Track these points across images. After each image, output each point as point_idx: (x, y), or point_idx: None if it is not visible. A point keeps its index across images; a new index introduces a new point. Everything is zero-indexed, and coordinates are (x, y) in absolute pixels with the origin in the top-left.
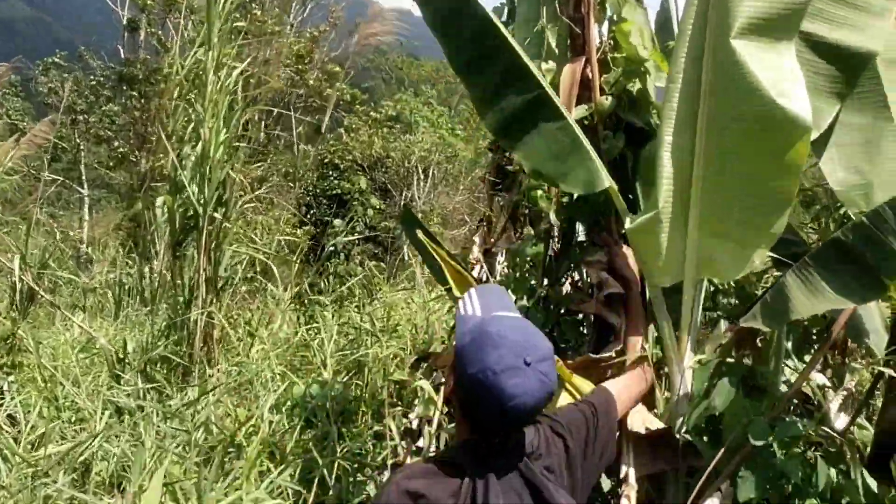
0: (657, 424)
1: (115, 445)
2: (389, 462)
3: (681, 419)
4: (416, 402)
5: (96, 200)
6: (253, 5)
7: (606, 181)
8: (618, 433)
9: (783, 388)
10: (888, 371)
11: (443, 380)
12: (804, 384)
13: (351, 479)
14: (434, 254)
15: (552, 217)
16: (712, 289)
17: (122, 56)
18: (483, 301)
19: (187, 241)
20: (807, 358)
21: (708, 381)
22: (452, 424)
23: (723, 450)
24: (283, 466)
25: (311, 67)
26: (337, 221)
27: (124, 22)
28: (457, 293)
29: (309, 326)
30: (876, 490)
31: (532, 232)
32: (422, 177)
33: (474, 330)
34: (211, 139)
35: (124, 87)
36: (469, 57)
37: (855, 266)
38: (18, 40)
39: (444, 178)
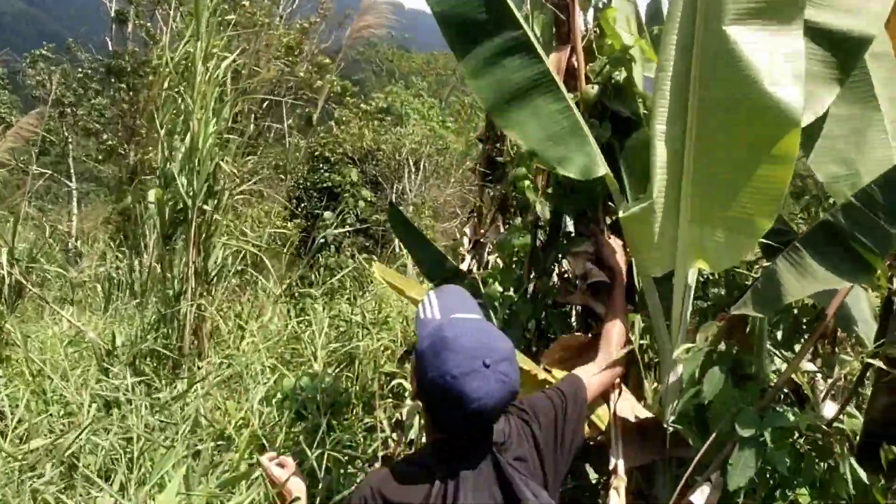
0: (646, 414)
1: (104, 439)
2: (380, 454)
3: (669, 408)
4: (407, 394)
5: (85, 194)
6: None
7: (603, 168)
8: (605, 427)
9: (772, 377)
10: (877, 361)
11: None
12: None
13: (341, 472)
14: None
15: (537, 208)
16: (702, 279)
17: (111, 48)
18: (442, 303)
19: (177, 234)
20: (796, 348)
21: (698, 370)
22: None
23: (711, 438)
24: None
25: (301, 59)
26: (327, 214)
27: (112, 14)
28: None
29: (300, 319)
30: (865, 480)
31: (520, 223)
32: (413, 169)
33: (433, 334)
34: (200, 130)
35: (113, 80)
36: (466, 24)
37: (845, 246)
38: (6, 33)
39: (435, 171)
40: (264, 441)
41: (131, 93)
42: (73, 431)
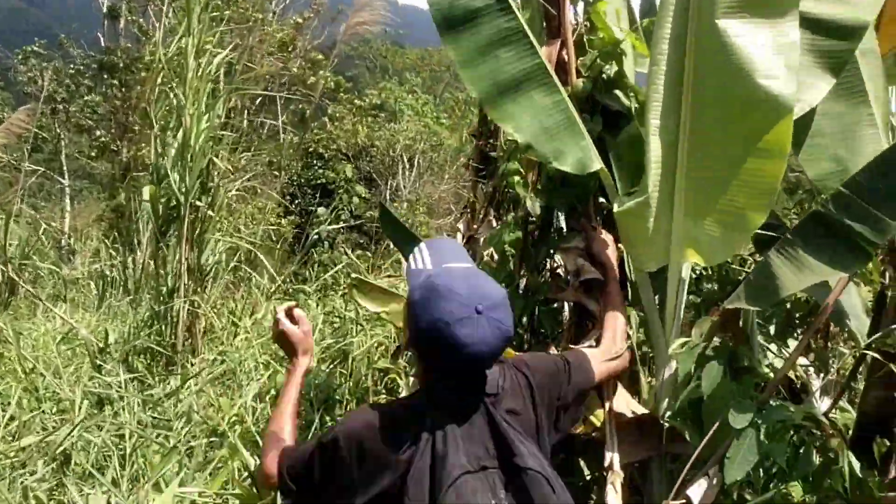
0: (641, 410)
1: (96, 435)
2: None
3: (665, 403)
4: (400, 389)
5: (78, 191)
6: None
7: (597, 162)
8: (600, 423)
9: (765, 370)
10: (870, 353)
11: None
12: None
13: None
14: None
15: (528, 203)
16: (695, 275)
17: (103, 44)
18: (433, 254)
19: (170, 231)
20: (790, 342)
21: (694, 365)
22: None
23: (709, 434)
24: None
25: (294, 56)
26: (321, 210)
27: (104, 10)
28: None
29: None
30: (859, 473)
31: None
32: (407, 166)
33: (424, 283)
34: (192, 126)
35: (105, 76)
36: (459, 10)
37: (838, 236)
38: None
39: (429, 167)
40: (257, 438)
41: (124, 89)
42: (65, 428)
